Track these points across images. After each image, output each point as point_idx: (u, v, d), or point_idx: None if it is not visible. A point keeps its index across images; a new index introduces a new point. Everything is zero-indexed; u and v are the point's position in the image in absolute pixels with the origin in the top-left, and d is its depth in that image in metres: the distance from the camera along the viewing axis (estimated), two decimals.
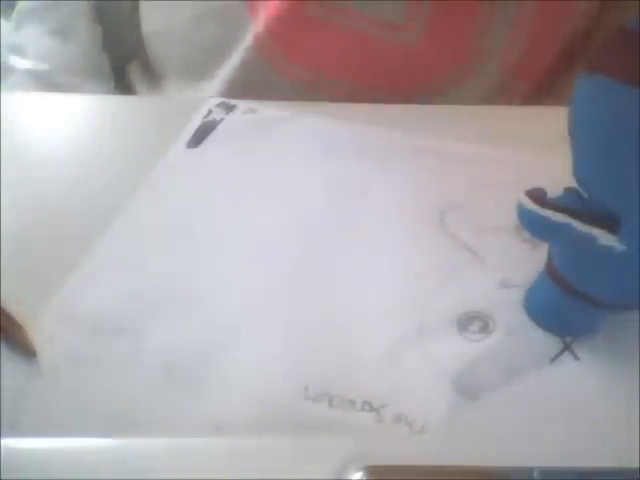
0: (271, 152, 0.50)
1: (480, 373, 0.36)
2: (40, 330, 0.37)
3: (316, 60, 0.58)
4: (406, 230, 0.44)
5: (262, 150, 0.50)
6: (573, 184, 0.34)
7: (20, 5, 0.66)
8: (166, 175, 0.48)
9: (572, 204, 0.34)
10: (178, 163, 0.49)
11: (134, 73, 0.67)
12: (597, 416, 0.34)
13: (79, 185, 0.47)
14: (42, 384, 0.35)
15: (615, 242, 0.33)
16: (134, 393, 0.35)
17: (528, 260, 0.40)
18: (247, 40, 0.58)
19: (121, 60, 0.69)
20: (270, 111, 0.53)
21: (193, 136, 0.51)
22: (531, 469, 0.30)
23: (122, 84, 0.68)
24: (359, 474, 0.30)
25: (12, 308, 0.38)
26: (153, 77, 0.66)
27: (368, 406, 0.34)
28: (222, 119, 0.52)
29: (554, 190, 0.35)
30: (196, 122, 0.52)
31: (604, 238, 0.33)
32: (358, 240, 0.43)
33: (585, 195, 0.34)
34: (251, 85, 0.59)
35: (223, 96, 0.59)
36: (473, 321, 0.38)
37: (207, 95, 0.60)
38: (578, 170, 0.34)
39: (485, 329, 0.38)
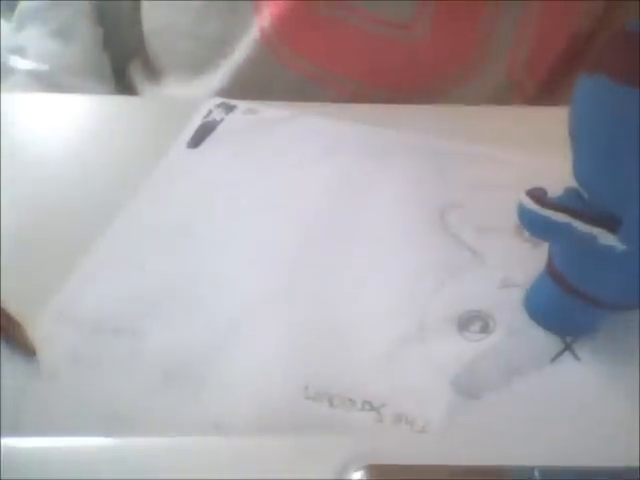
0: (271, 152, 0.50)
1: (480, 373, 0.36)
2: (40, 330, 0.37)
3: (321, 54, 0.58)
4: (407, 230, 0.44)
5: (262, 150, 0.50)
6: (573, 184, 0.34)
7: (21, 6, 0.66)
8: (166, 175, 0.48)
9: (572, 204, 0.34)
10: (178, 163, 0.49)
11: (134, 71, 0.67)
12: (597, 416, 0.34)
13: (79, 185, 0.47)
14: (42, 384, 0.35)
15: (615, 242, 0.33)
16: (134, 393, 0.35)
17: (528, 260, 0.40)
18: (252, 33, 0.58)
19: (122, 60, 0.69)
20: (270, 111, 0.53)
21: (193, 136, 0.51)
22: (531, 468, 0.30)
23: (123, 84, 0.68)
24: (359, 474, 0.30)
25: (12, 308, 0.38)
26: (153, 74, 0.66)
27: (368, 406, 0.34)
28: (222, 119, 0.52)
29: (554, 190, 0.35)
30: (196, 122, 0.52)
31: (604, 238, 0.33)
32: (358, 240, 0.43)
33: (585, 195, 0.34)
34: (255, 77, 0.59)
35: (226, 88, 0.59)
36: (473, 321, 0.38)
37: (210, 89, 0.60)
38: (578, 170, 0.34)
39: (485, 329, 0.38)
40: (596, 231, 0.33)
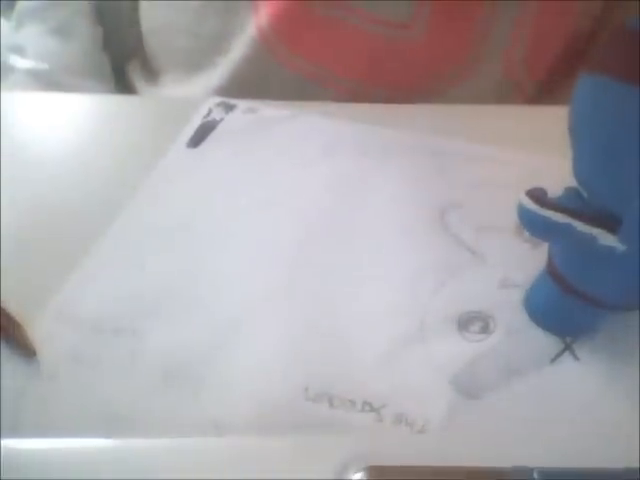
0: (271, 151, 0.50)
1: (480, 373, 0.36)
2: (40, 330, 0.37)
3: (319, 54, 0.58)
4: (406, 229, 0.44)
5: (262, 150, 0.50)
6: (573, 184, 0.34)
7: (20, 5, 0.66)
8: (166, 175, 0.48)
9: (572, 204, 0.34)
10: (178, 163, 0.49)
11: (133, 70, 0.67)
12: (597, 416, 0.34)
13: (79, 185, 0.47)
14: (42, 384, 0.35)
15: (615, 242, 0.33)
16: (134, 393, 0.35)
17: (528, 260, 0.40)
18: (249, 31, 0.58)
19: (121, 60, 0.69)
20: (270, 111, 0.53)
21: (193, 136, 0.51)
22: (531, 469, 0.30)
23: (122, 84, 0.68)
24: (359, 474, 0.30)
25: (12, 308, 0.38)
26: (152, 73, 0.66)
27: (368, 406, 0.34)
28: (222, 119, 0.52)
29: (554, 190, 0.35)
30: (196, 122, 0.52)
31: (604, 238, 0.33)
32: (358, 239, 0.43)
33: (585, 195, 0.34)
34: (252, 76, 0.59)
35: (224, 87, 0.59)
36: (473, 321, 0.38)
37: (208, 87, 0.60)
38: (578, 169, 0.34)
39: (485, 329, 0.38)
40: (596, 231, 0.33)
